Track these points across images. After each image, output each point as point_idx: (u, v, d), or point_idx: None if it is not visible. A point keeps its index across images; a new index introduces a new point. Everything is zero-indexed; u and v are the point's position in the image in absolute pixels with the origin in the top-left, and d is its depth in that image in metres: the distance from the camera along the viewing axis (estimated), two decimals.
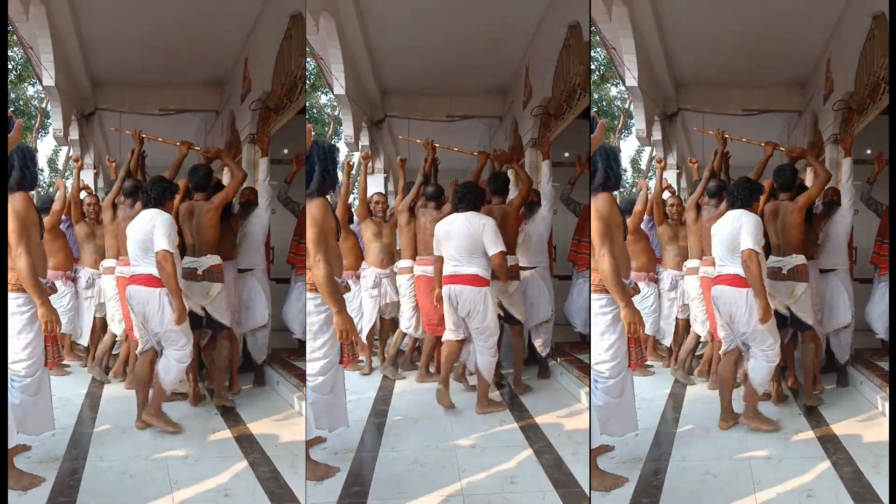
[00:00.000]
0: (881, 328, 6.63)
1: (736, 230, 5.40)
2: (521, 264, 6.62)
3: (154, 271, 5.43)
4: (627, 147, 7.53)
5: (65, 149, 7.68)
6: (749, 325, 5.43)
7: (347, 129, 7.44)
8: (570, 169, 7.05)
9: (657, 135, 7.18)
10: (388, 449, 5.38)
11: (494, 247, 5.79)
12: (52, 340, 4.89)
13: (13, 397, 4.72)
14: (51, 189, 8.30)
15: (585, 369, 6.21)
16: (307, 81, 7.28)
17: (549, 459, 5.16)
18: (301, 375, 6.15)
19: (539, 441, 5.46)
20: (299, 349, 6.63)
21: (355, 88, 7.35)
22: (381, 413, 6.02)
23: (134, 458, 5.15)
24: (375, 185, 7.74)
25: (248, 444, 5.42)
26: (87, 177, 7.29)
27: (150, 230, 5.44)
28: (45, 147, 8.16)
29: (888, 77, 6.27)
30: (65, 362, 6.51)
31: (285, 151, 6.82)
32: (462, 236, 5.85)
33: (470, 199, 5.96)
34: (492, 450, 5.35)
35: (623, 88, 7.11)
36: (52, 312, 4.72)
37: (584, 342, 6.88)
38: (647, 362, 6.57)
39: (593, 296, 4.76)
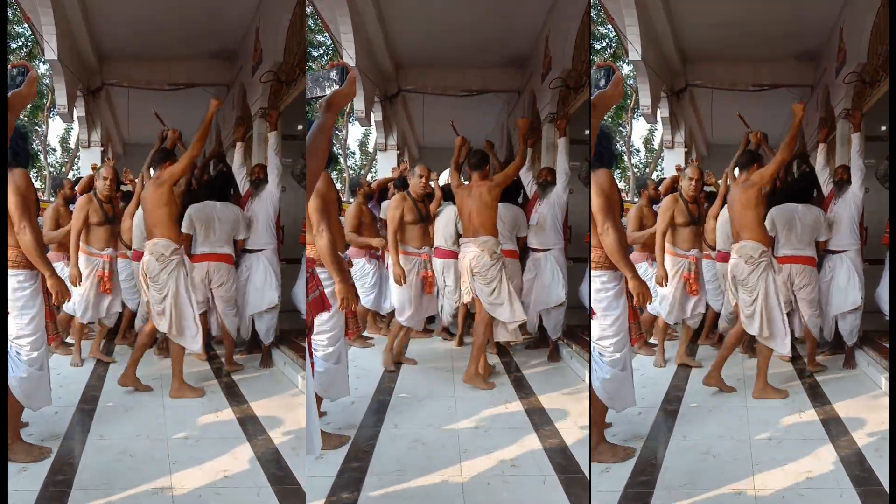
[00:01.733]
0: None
1: (820, 222, 6.30)
2: (534, 246, 6.66)
3: (232, 251, 6.45)
4: (639, 127, 7.40)
5: (75, 126, 7.62)
6: (812, 293, 6.30)
7: (358, 104, 7.32)
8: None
9: (664, 112, 7.03)
10: (390, 426, 5.38)
11: (525, 229, 6.66)
12: (50, 317, 4.95)
13: (20, 371, 4.77)
14: (62, 169, 8.31)
15: None
16: (324, 56, 7.20)
17: (553, 444, 5.13)
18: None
19: (544, 424, 5.43)
20: None
21: (367, 61, 7.22)
22: (387, 391, 6.01)
23: (135, 438, 5.16)
24: (389, 161, 7.66)
25: (250, 426, 5.42)
26: (95, 155, 7.24)
27: (238, 220, 6.44)
28: (56, 126, 8.13)
29: (888, 67, 6.12)
30: (68, 340, 6.51)
31: (300, 128, 6.74)
32: (508, 220, 6.52)
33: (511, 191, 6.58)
34: (495, 431, 5.33)
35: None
36: (60, 283, 4.84)
37: None
38: (651, 340, 6.50)
39: (594, 273, 4.74)
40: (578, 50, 6.84)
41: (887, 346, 6.38)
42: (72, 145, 8.21)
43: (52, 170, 8.27)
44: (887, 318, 6.53)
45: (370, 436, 5.22)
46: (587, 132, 6.72)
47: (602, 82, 3.85)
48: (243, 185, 6.67)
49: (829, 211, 6.43)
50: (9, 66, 3.04)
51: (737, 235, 5.89)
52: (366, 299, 6.89)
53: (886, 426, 5.20)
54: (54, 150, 8.33)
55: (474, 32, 7.12)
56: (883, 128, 6.65)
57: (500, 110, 7.50)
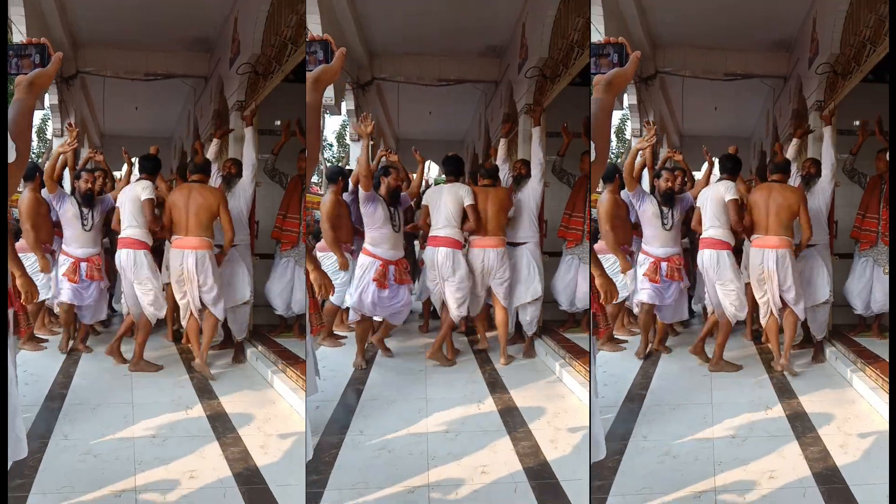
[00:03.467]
0: (860, 304, 6.52)
1: None
2: (509, 240, 6.50)
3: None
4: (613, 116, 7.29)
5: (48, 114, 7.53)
6: None
7: (328, 91, 7.20)
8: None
9: (632, 99, 6.89)
10: (355, 433, 5.21)
11: None
12: (22, 309, 4.90)
13: None
14: (40, 159, 8.26)
15: (571, 349, 6.25)
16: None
17: (526, 447, 5.00)
18: (281, 352, 6.15)
19: (517, 426, 5.29)
20: (281, 326, 6.65)
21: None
22: (357, 392, 5.89)
23: (100, 437, 5.08)
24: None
25: (220, 423, 5.34)
26: None
27: None
28: (34, 116, 8.05)
29: (889, 50, 6.03)
30: (40, 335, 6.48)
31: (277, 123, 6.60)
32: None
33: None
34: (466, 435, 5.18)
35: None
36: (31, 283, 4.85)
37: (571, 320, 6.73)
38: (620, 337, 6.46)
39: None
40: (555, 39, 6.70)
41: (856, 340, 6.43)
42: (49, 135, 8.15)
43: (30, 158, 8.19)
44: (856, 312, 6.58)
45: (332, 443, 5.06)
46: (565, 123, 6.66)
47: (615, 58, 3.51)
48: (215, 179, 6.60)
49: None
50: (23, 41, 2.89)
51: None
52: None
53: (853, 421, 5.21)
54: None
55: (451, 20, 6.90)
56: (856, 122, 6.58)
57: (478, 101, 7.35)
